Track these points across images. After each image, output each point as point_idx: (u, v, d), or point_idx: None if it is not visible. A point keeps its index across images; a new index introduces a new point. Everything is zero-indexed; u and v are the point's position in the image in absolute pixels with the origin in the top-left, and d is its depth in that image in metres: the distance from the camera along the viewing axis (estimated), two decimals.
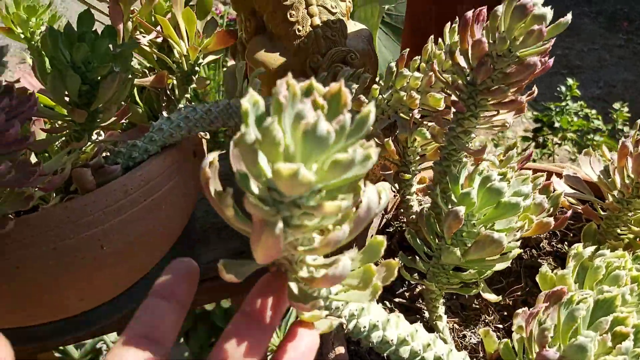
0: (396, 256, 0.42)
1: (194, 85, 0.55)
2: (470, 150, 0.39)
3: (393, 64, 0.47)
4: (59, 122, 0.42)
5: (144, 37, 0.56)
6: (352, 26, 0.60)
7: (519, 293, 0.46)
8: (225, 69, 0.61)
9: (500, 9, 0.34)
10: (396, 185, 0.51)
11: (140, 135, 0.45)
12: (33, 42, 0.65)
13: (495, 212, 0.36)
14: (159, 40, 0.57)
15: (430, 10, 0.57)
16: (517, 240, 0.38)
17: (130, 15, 0.54)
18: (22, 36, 0.64)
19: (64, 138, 0.45)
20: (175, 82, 0.54)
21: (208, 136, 0.58)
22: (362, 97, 0.47)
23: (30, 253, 0.41)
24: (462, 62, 0.37)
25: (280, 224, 0.19)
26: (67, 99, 0.40)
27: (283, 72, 0.55)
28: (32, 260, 0.42)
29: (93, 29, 0.39)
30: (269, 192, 0.21)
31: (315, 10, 0.56)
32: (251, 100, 0.20)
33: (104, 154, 0.47)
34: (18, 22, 0.61)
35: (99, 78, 0.39)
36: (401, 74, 0.46)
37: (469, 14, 0.35)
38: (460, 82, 0.38)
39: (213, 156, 0.22)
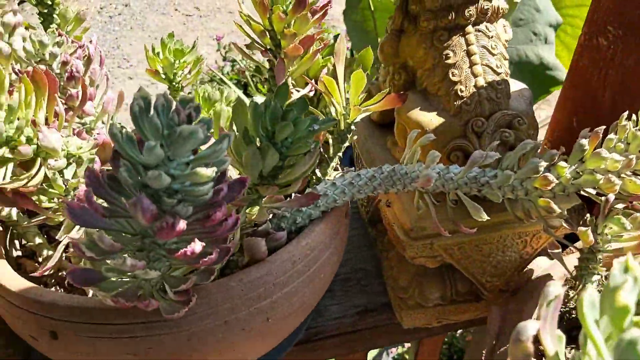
0: None
1: (347, 144, 0.53)
2: None
3: (585, 142, 0.44)
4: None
5: (297, 91, 0.54)
6: (512, 85, 0.56)
7: None
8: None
9: None
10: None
11: (310, 202, 0.43)
12: (174, 83, 0.65)
13: None
14: (311, 94, 0.56)
15: (606, 75, 0.53)
16: None
17: (288, 70, 0.52)
18: (164, 76, 0.64)
19: None
20: (330, 140, 0.52)
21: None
22: (550, 177, 0.43)
23: (204, 326, 0.40)
24: None
25: None
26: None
27: (441, 134, 0.52)
28: (204, 333, 0.40)
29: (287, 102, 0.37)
30: None
31: (479, 70, 0.53)
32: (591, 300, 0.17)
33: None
34: (165, 65, 0.62)
35: (294, 155, 0.37)
36: (597, 155, 0.42)
37: None
38: None
39: (534, 328, 0.19)
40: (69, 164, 0.46)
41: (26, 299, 0.41)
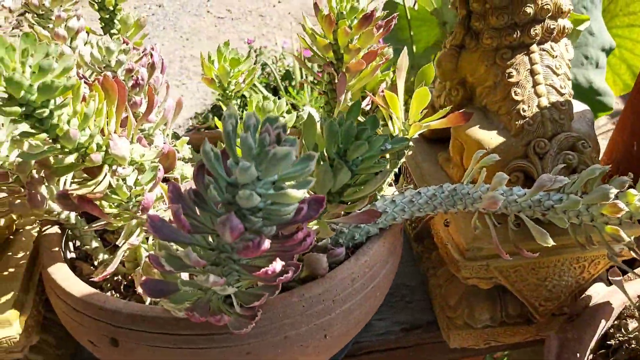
0: None
1: (403, 160, 0.52)
2: None
3: None
4: None
5: None
6: (574, 105, 0.55)
7: None
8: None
9: None
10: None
11: (371, 220, 0.43)
12: (228, 92, 0.65)
13: None
14: (367, 107, 0.56)
15: None
16: None
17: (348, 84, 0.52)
18: (218, 84, 0.64)
19: None
20: (387, 155, 0.51)
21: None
22: (621, 204, 0.42)
23: (264, 341, 0.40)
24: None
25: None
26: None
27: (502, 153, 0.51)
28: (263, 348, 0.40)
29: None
30: None
31: (543, 90, 0.52)
32: None
33: None
34: (222, 73, 0.62)
35: (364, 173, 0.37)
36: None
37: None
38: None
39: None
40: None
41: (89, 305, 0.42)
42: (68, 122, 0.39)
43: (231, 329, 0.35)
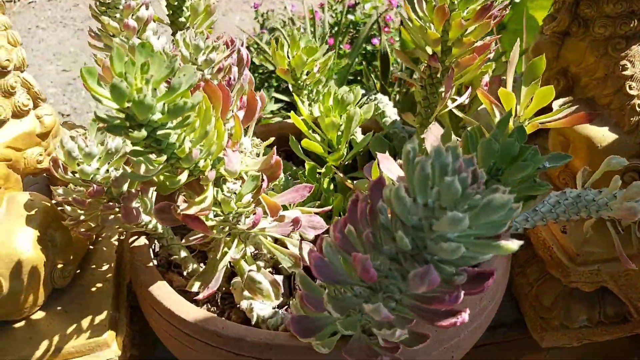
0: None
1: None
2: None
3: None
4: None
5: (452, 100, 0.50)
6: None
7: None
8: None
9: None
10: None
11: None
12: (300, 82, 0.61)
13: None
14: (466, 101, 0.52)
15: None
16: None
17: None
18: (291, 74, 0.60)
19: None
20: None
21: None
22: None
23: None
24: None
25: None
26: None
27: (615, 152, 0.48)
28: None
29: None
30: None
31: None
32: None
33: None
34: (297, 64, 0.58)
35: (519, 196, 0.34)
36: None
37: None
38: None
39: None
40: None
41: (205, 331, 0.39)
42: (183, 140, 0.35)
43: None
